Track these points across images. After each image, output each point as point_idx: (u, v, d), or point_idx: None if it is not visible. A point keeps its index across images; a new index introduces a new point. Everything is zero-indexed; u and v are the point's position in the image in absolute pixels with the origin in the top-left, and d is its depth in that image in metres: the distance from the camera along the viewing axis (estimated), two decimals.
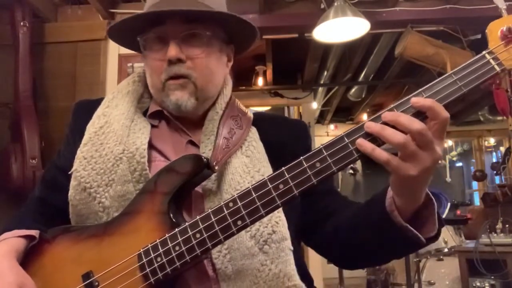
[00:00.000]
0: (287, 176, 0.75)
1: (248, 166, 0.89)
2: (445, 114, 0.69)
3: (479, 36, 3.49)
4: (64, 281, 0.85)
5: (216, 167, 0.86)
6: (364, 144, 0.71)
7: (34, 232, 0.88)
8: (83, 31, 3.11)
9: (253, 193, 0.76)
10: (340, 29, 2.99)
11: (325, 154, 0.74)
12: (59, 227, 0.89)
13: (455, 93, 0.71)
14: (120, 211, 0.87)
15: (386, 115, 0.71)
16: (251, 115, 1.01)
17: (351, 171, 7.79)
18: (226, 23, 0.96)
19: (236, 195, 0.77)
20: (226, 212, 0.77)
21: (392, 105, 0.73)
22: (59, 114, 2.94)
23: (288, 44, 3.94)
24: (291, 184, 0.74)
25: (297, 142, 1.03)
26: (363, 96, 6.05)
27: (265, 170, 0.90)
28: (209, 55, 0.94)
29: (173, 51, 0.89)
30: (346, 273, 4.02)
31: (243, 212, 0.76)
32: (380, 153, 0.70)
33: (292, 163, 0.75)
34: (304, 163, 0.75)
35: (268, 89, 5.19)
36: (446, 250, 3.62)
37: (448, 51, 3.42)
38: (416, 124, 0.68)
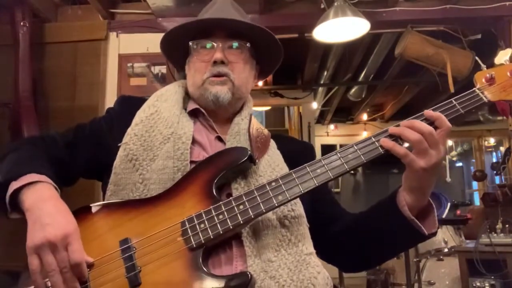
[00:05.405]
0: (324, 163, 0.94)
1: (269, 161, 1.06)
2: (449, 124, 0.94)
3: (479, 36, 3.48)
4: (101, 246, 0.91)
5: (257, 161, 1.01)
6: (387, 141, 0.94)
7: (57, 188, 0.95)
8: (83, 31, 3.11)
9: (293, 174, 0.94)
10: (340, 29, 2.99)
11: (356, 149, 0.95)
12: (100, 202, 0.98)
13: (456, 112, 0.98)
14: (156, 183, 0.98)
15: (404, 122, 0.94)
16: (268, 132, 1.17)
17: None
18: (257, 44, 1.17)
19: (278, 177, 0.94)
20: (268, 188, 0.92)
21: (409, 118, 0.95)
22: (59, 114, 2.94)
23: (288, 44, 3.92)
24: (327, 170, 0.93)
25: (304, 158, 1.10)
26: (363, 96, 6.05)
27: (282, 165, 1.07)
28: (245, 63, 1.16)
29: (219, 54, 1.11)
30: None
31: (284, 190, 0.92)
32: (400, 148, 0.92)
33: (327, 155, 0.95)
34: (339, 155, 0.94)
35: (268, 89, 5.19)
36: (446, 250, 3.63)
37: (448, 51, 3.41)
38: (427, 127, 0.91)
